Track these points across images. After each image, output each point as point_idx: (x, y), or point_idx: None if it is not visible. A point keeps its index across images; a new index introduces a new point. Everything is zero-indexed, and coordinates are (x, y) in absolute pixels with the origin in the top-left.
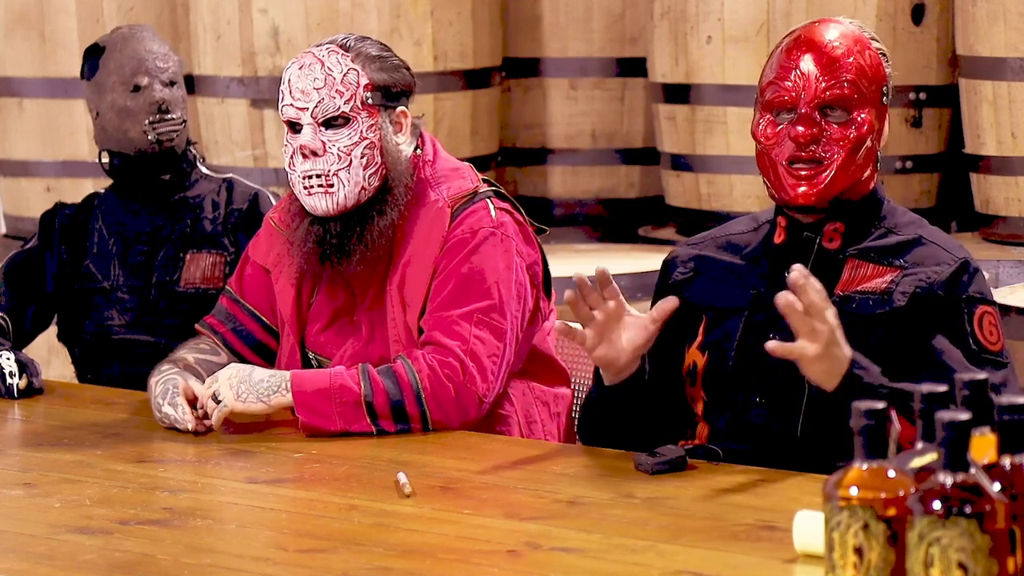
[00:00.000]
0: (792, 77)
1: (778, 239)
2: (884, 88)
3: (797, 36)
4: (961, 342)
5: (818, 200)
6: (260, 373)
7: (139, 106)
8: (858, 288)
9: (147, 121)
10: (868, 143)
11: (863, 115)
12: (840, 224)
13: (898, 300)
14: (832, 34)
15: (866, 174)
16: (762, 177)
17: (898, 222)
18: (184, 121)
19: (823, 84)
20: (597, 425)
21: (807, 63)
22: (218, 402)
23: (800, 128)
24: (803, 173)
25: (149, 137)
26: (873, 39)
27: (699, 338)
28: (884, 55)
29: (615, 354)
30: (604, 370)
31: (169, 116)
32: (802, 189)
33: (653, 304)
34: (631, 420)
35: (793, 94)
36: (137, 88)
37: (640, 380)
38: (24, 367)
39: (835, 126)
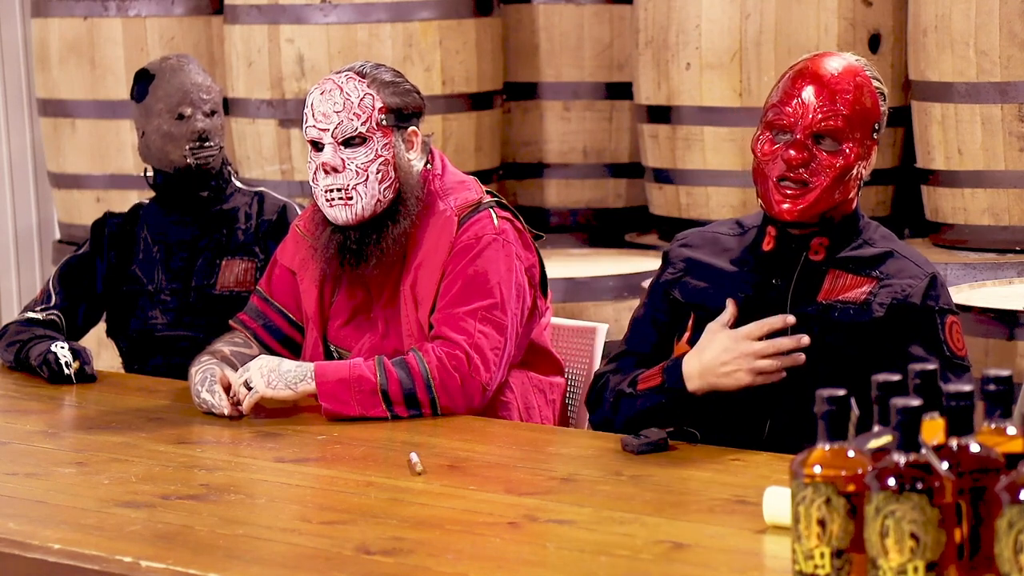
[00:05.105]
0: (793, 104)
1: (767, 247)
2: (876, 124)
3: (804, 66)
4: (936, 350)
5: (800, 217)
6: (288, 364)
7: (182, 133)
8: (839, 298)
9: (188, 147)
10: (854, 172)
11: (851, 147)
12: (826, 239)
13: (876, 311)
14: (836, 70)
15: (849, 197)
16: (755, 187)
17: (872, 236)
18: (221, 147)
19: (819, 115)
20: (649, 422)
21: (808, 93)
22: (250, 388)
23: (792, 152)
24: (789, 192)
25: (189, 161)
26: (875, 78)
27: (687, 333)
28: (882, 94)
29: None
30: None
31: (208, 144)
32: (786, 206)
33: (648, 294)
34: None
35: (791, 119)
36: (181, 116)
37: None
38: (77, 354)
39: (825, 154)
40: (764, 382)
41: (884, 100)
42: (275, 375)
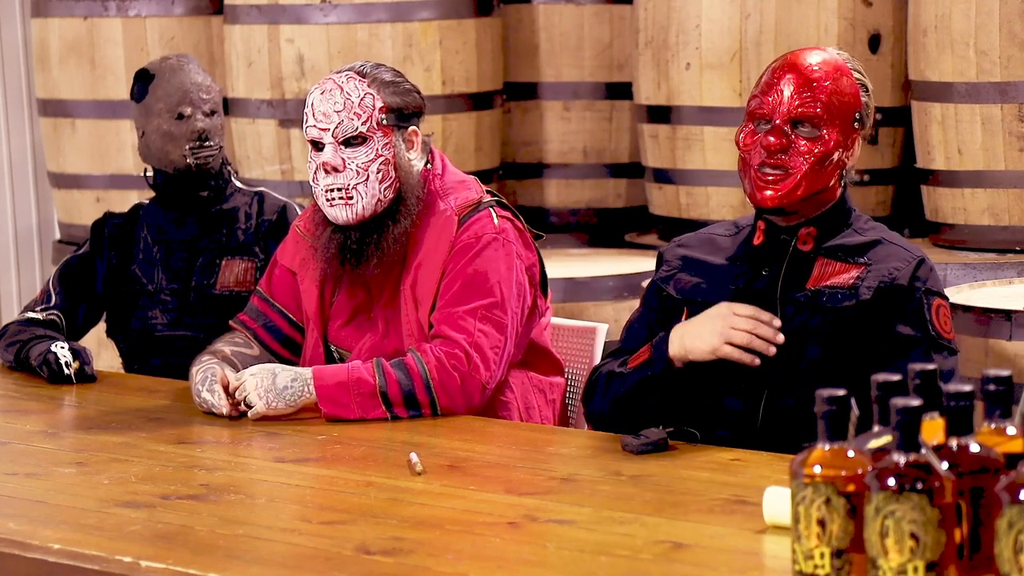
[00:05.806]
0: (772, 93)
1: (757, 240)
2: (857, 114)
3: (785, 59)
4: (921, 329)
5: (781, 203)
6: (282, 378)
7: (181, 132)
8: (827, 283)
9: (188, 147)
10: (834, 158)
11: (830, 133)
12: (813, 229)
13: (864, 294)
14: (815, 60)
15: (830, 184)
16: (742, 183)
17: (862, 226)
18: (221, 147)
19: (796, 101)
20: (651, 401)
21: (787, 82)
22: (249, 407)
23: (771, 138)
24: (770, 178)
25: (188, 160)
26: (856, 71)
27: None
28: (865, 87)
29: None
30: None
31: (208, 143)
32: (768, 192)
33: (644, 294)
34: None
35: (770, 108)
36: (181, 116)
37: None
38: (77, 354)
39: (803, 140)
40: (729, 355)
41: (867, 92)
42: (273, 395)
